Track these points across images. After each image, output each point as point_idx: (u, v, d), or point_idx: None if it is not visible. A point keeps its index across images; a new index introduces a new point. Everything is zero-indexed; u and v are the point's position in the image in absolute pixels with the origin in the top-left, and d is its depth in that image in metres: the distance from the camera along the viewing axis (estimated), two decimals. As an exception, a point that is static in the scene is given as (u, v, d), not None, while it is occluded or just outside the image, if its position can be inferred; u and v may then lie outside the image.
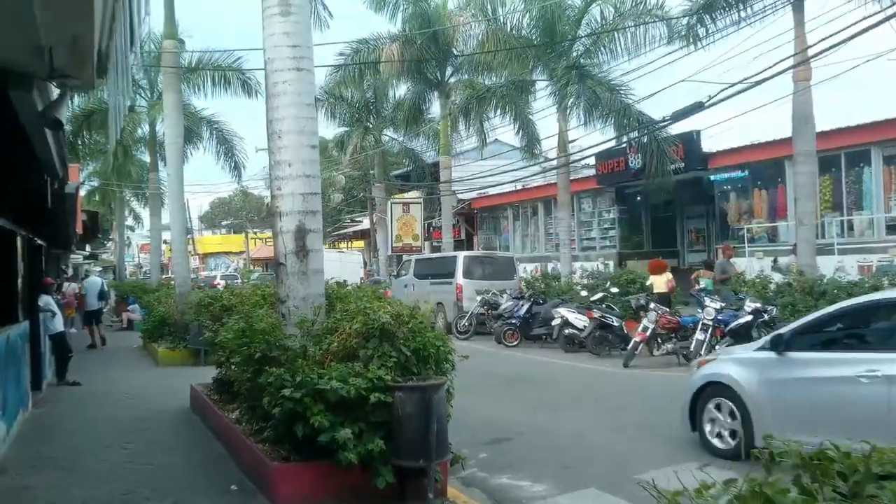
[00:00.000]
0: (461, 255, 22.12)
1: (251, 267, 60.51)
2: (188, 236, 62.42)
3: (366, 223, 53.17)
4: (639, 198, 31.81)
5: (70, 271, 46.10)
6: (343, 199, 51.65)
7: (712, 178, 26.72)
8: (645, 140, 23.84)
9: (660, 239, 31.68)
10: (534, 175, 33.21)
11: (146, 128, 30.54)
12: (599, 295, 17.63)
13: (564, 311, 16.62)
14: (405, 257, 32.71)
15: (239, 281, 48.11)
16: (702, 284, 19.14)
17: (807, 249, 16.44)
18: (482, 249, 35.65)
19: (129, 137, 28.12)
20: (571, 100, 22.99)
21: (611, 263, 29.72)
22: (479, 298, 20.23)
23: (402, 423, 5.94)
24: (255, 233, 68.07)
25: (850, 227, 21.78)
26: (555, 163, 32.86)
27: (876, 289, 13.55)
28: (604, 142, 24.50)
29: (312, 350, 6.45)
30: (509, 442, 8.95)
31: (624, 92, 23.60)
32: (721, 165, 25.78)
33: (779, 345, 7.41)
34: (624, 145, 26.37)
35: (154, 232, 28.14)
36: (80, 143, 28.73)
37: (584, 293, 18.50)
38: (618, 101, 23.15)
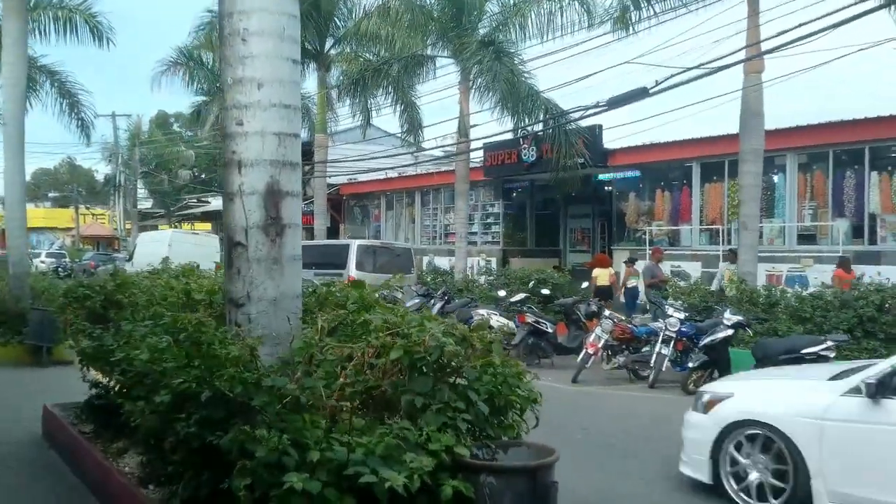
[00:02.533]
0: (354, 244, 19.43)
1: (81, 245, 54.27)
2: (5, 208, 55.49)
3: (216, 203, 48.91)
4: (515, 193, 30.39)
5: None
6: (193, 177, 47.16)
7: (606, 176, 25.54)
8: (550, 131, 22.27)
9: (543, 237, 30.38)
10: (420, 163, 31.10)
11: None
12: (521, 296, 15.58)
13: (486, 314, 14.40)
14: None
15: (67, 261, 42.74)
16: (632, 283, 17.76)
17: (749, 256, 15.18)
18: (349, 238, 32.94)
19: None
20: (485, 79, 20.83)
21: (493, 260, 28.03)
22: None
23: (496, 531, 3.45)
24: (88, 208, 61.56)
25: (759, 235, 21.03)
26: (445, 151, 31.01)
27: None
28: (508, 130, 22.67)
29: (319, 394, 3.80)
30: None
31: (528, 76, 21.94)
32: (622, 163, 24.57)
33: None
34: (520, 136, 24.70)
35: (-27, 198, 23.42)
36: None
37: (501, 293, 16.40)
38: (526, 85, 21.38)
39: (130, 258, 33.07)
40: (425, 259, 29.73)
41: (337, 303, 5.02)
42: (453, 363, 3.86)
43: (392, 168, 32.66)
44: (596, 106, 16.98)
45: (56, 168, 76.64)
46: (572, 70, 33.29)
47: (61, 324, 12.77)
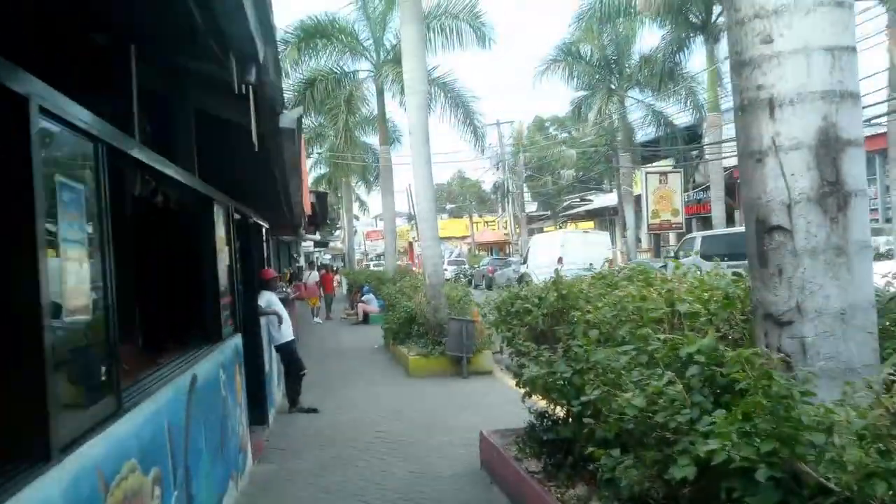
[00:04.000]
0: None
1: (476, 251, 57.43)
2: (411, 222, 60.77)
3: (598, 201, 48.38)
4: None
5: (301, 260, 45.36)
6: (575, 177, 47.08)
7: None
8: None
9: None
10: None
11: (371, 104, 27.90)
12: None
13: None
14: (670, 236, 27.56)
15: (467, 267, 45.13)
16: None
17: None
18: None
19: (356, 105, 25.19)
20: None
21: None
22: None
23: None
24: (480, 216, 65.27)
25: None
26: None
27: None
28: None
29: None
30: None
31: None
32: None
33: None
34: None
35: (387, 212, 24.97)
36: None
37: None
38: None
39: (525, 261, 33.53)
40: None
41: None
42: None
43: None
44: None
45: (449, 182, 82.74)
46: None
47: (479, 335, 12.36)
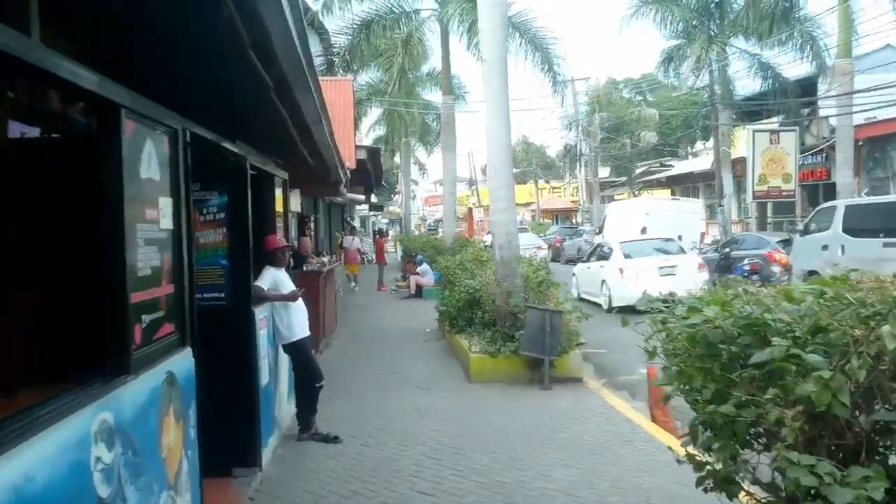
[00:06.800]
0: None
1: (541, 219, 53.66)
2: (472, 187, 57.19)
3: (679, 167, 44.19)
4: None
5: (357, 223, 42.54)
6: (657, 140, 42.88)
7: None
8: None
9: None
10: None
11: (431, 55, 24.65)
12: None
13: None
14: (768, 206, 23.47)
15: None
16: None
17: None
18: (865, 195, 25.22)
19: (415, 48, 21.84)
20: None
21: None
22: None
23: None
24: (548, 182, 61.41)
25: None
26: None
27: None
28: None
29: None
30: None
31: None
32: None
33: None
34: None
35: (448, 172, 21.65)
36: (354, 66, 23.29)
37: None
38: None
39: (600, 231, 30.02)
40: None
41: None
42: None
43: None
44: None
45: (512, 147, 78.85)
46: None
47: (565, 330, 9.12)
